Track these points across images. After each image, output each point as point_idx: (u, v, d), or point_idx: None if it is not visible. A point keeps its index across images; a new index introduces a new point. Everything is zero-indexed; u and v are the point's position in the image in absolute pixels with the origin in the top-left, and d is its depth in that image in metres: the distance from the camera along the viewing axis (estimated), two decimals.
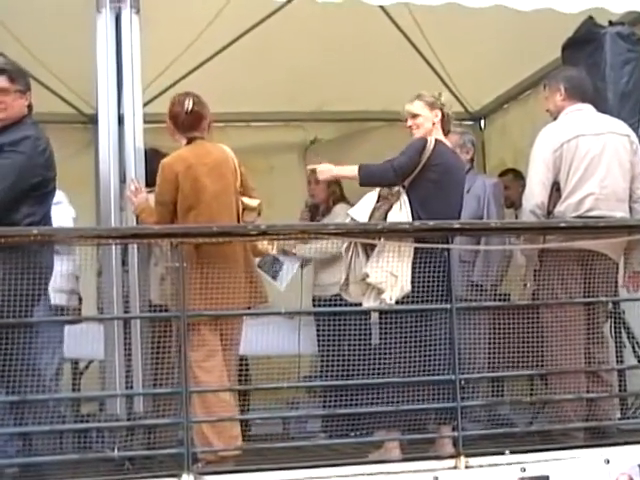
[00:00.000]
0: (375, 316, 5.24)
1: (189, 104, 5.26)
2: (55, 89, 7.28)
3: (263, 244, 5.29)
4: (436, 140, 5.27)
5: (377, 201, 5.27)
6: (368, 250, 5.16)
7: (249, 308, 5.25)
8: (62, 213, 5.65)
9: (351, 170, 5.29)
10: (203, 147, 5.31)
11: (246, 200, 5.34)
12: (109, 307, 5.15)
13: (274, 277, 6.32)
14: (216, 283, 4.95)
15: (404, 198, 5.20)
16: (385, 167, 5.22)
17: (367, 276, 5.07)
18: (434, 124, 5.37)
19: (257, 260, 5.73)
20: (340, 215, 6.32)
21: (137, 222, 5.33)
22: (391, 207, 5.22)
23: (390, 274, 5.02)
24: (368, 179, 5.24)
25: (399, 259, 5.04)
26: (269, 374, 5.33)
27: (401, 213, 5.16)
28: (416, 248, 5.04)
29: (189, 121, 5.29)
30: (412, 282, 5.03)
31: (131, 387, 5.07)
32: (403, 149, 5.26)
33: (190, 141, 5.33)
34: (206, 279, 4.95)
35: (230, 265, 5.09)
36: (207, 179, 5.19)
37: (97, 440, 4.93)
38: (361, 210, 5.27)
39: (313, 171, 5.51)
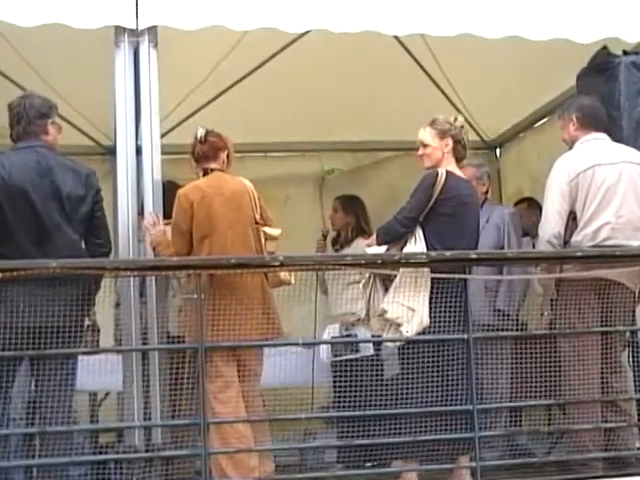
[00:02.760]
0: (390, 350, 5.26)
1: (201, 133, 5.33)
2: (74, 121, 7.34)
3: (286, 274, 5.30)
4: (447, 172, 5.27)
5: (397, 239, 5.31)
6: (387, 283, 5.18)
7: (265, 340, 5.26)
8: None
9: (373, 239, 5.43)
10: (220, 178, 5.35)
11: (268, 230, 5.38)
12: (127, 338, 5.17)
13: (356, 351, 6.18)
14: (232, 315, 4.99)
15: (419, 233, 5.23)
16: (390, 225, 5.33)
17: (385, 312, 5.09)
18: (444, 154, 5.38)
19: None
20: (360, 248, 6.34)
21: (154, 253, 5.36)
22: (406, 242, 5.24)
23: (408, 308, 5.03)
24: (384, 240, 5.34)
25: (416, 292, 5.05)
26: (286, 405, 5.34)
27: (416, 247, 5.18)
28: (433, 279, 5.05)
29: (203, 151, 5.35)
30: (431, 314, 5.05)
31: (149, 418, 5.07)
32: (413, 189, 5.29)
33: (206, 172, 5.37)
34: (222, 311, 4.98)
35: (246, 297, 5.12)
36: (222, 209, 5.23)
37: (115, 471, 4.93)
38: (377, 247, 5.32)
39: None
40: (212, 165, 5.38)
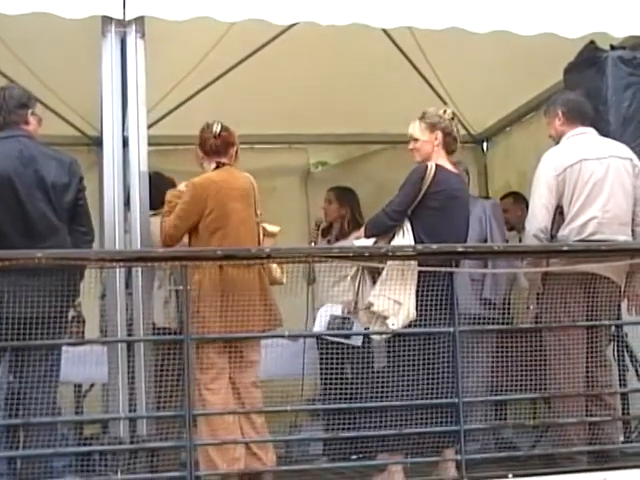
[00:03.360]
0: (377, 342, 5.27)
1: (217, 128, 5.43)
2: (60, 112, 7.31)
3: (278, 274, 5.39)
4: (437, 166, 5.26)
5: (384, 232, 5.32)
6: (375, 276, 5.18)
7: (264, 332, 5.32)
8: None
9: (361, 232, 5.49)
10: (231, 173, 5.46)
11: (268, 227, 5.51)
12: (112, 330, 5.15)
13: (346, 336, 6.24)
14: (231, 307, 5.05)
15: (407, 226, 5.23)
16: (379, 217, 5.34)
17: (371, 305, 5.10)
18: (434, 147, 5.37)
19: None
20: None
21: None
22: (394, 236, 5.25)
23: (394, 302, 5.04)
24: (371, 233, 5.36)
25: (403, 286, 5.05)
26: (272, 397, 5.34)
27: (404, 240, 5.18)
28: (420, 272, 5.05)
29: (217, 145, 5.45)
30: (418, 307, 5.05)
31: (134, 410, 5.06)
32: (402, 182, 5.29)
33: (218, 166, 5.46)
34: (222, 303, 5.07)
35: (246, 290, 5.18)
36: (237, 204, 5.34)
37: (100, 462, 4.91)
38: (365, 239, 5.35)
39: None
40: (223, 159, 5.47)
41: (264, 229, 5.50)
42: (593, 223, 5.39)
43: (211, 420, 5.05)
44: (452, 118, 5.43)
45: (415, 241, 5.16)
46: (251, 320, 5.10)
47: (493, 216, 6.43)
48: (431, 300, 5.01)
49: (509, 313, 6.01)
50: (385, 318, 5.06)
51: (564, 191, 5.44)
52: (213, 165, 5.47)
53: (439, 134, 5.37)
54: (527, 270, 5.66)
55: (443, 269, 5.02)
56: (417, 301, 5.05)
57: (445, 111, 5.44)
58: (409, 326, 5.06)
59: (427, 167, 5.25)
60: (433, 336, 5.05)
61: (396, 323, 5.04)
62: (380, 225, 5.31)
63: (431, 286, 5.02)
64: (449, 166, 5.38)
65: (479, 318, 5.85)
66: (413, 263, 5.07)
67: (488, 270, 5.97)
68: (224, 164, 5.47)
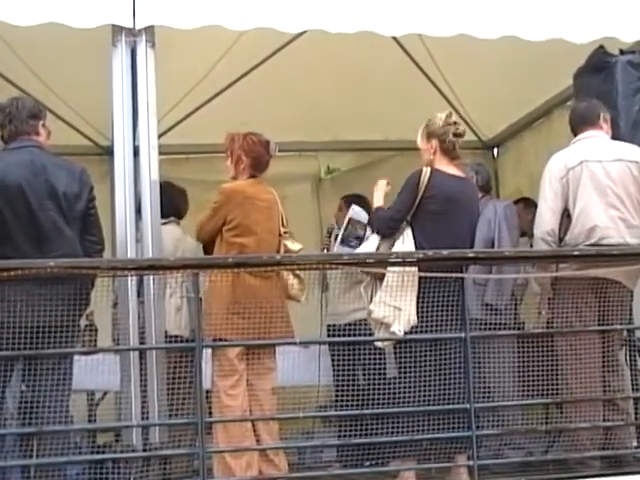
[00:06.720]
0: (389, 348, 5.27)
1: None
2: (71, 122, 7.35)
3: (297, 291, 5.49)
4: (433, 170, 5.27)
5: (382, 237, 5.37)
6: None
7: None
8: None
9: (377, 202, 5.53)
10: (261, 186, 5.59)
11: (289, 245, 5.57)
12: (125, 338, 5.17)
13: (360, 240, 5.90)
14: (249, 314, 5.13)
15: (407, 232, 5.24)
16: (383, 219, 5.40)
17: (371, 312, 5.12)
18: (433, 154, 5.38)
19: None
20: None
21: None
22: (394, 242, 5.25)
23: (394, 308, 5.04)
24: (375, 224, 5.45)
25: (403, 291, 5.05)
26: (284, 404, 5.35)
27: (404, 246, 5.19)
28: (423, 278, 5.05)
29: (266, 162, 5.61)
30: (424, 312, 5.04)
31: (147, 417, 5.07)
32: (400, 189, 5.32)
33: (252, 177, 5.58)
34: (243, 311, 5.16)
35: (265, 298, 5.26)
36: (262, 215, 5.46)
37: (113, 471, 4.93)
38: (367, 247, 5.39)
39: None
40: (258, 172, 5.59)
41: (285, 246, 5.55)
42: (600, 228, 5.37)
43: (229, 426, 5.11)
44: (449, 124, 5.37)
45: (415, 247, 5.18)
46: (268, 327, 5.15)
47: (504, 218, 6.34)
48: (435, 305, 5.00)
49: (516, 318, 6.01)
50: (388, 325, 5.07)
51: (569, 193, 5.42)
52: (245, 176, 5.57)
53: (434, 142, 5.37)
54: (537, 275, 5.64)
55: (448, 275, 5.00)
56: (420, 306, 5.05)
57: (438, 116, 5.41)
58: (415, 329, 5.05)
59: (422, 171, 5.26)
60: (440, 341, 5.05)
61: (400, 329, 5.03)
62: (380, 225, 5.39)
63: (435, 291, 5.02)
64: (451, 170, 5.37)
65: (480, 323, 5.79)
66: (413, 269, 5.06)
67: (499, 276, 5.93)
68: (257, 177, 5.59)
